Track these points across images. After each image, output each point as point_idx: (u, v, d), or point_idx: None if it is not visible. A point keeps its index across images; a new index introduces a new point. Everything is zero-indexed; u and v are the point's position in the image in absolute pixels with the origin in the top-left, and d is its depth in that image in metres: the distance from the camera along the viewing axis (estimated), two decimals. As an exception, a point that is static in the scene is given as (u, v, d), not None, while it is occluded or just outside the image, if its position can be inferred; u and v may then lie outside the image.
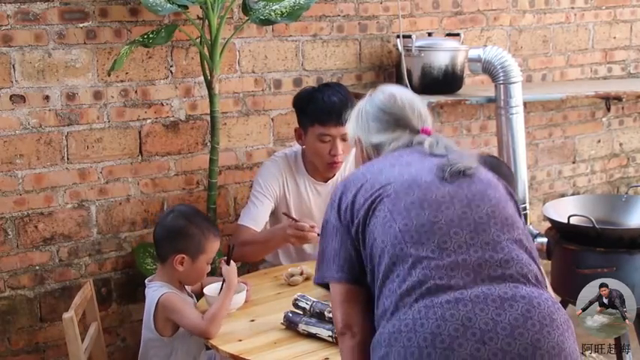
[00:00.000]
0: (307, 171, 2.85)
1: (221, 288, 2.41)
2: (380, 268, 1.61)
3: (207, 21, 2.85)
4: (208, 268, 2.44)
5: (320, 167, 2.80)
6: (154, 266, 2.85)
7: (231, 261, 2.35)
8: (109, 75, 2.80)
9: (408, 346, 1.51)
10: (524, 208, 3.32)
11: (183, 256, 2.36)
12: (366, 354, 1.63)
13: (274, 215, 2.89)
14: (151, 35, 2.74)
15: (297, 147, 2.92)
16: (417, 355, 1.50)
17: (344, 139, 2.70)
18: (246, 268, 3.00)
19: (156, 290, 2.35)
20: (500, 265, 1.56)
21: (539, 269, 1.64)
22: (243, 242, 2.69)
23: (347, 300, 1.68)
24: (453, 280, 1.54)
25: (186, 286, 2.47)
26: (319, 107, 2.71)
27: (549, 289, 1.85)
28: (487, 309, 1.50)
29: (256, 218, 2.77)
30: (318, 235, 2.56)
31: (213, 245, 2.41)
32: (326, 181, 2.86)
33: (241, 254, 2.62)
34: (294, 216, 2.77)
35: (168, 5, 2.70)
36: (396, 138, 1.79)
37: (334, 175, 2.86)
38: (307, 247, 2.87)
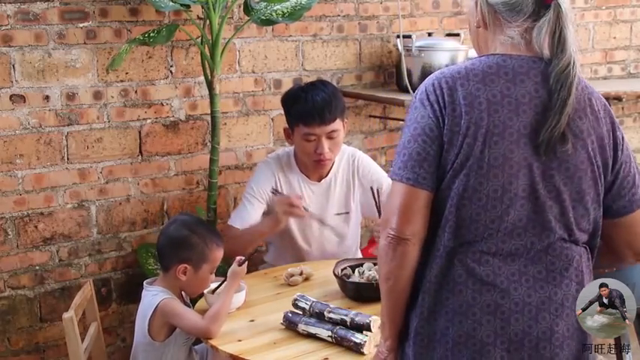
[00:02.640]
0: (301, 170, 2.85)
1: (218, 286, 2.41)
2: (443, 234, 1.58)
3: (207, 21, 2.85)
4: (212, 278, 2.43)
5: (309, 165, 2.81)
6: (157, 266, 2.85)
7: (245, 265, 2.35)
8: (107, 72, 2.80)
9: (445, 334, 1.59)
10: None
11: (186, 265, 2.36)
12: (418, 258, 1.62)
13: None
14: (152, 34, 2.74)
15: (290, 147, 2.92)
16: (450, 346, 1.59)
17: (330, 137, 2.72)
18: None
19: (155, 295, 2.35)
20: (546, 267, 1.58)
21: (587, 251, 1.64)
22: (233, 236, 2.71)
23: (424, 207, 1.58)
24: (499, 279, 1.57)
25: (184, 296, 2.46)
26: (302, 107, 2.72)
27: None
28: (522, 319, 1.57)
29: (246, 219, 2.77)
30: (306, 209, 2.66)
31: (216, 254, 2.41)
32: (319, 180, 2.86)
33: (229, 249, 2.61)
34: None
35: (171, 3, 2.70)
36: (515, 7, 1.59)
37: (328, 174, 2.86)
38: (306, 245, 2.87)
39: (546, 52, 1.58)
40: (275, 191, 2.79)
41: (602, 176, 1.62)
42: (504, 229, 1.56)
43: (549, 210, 1.57)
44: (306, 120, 2.70)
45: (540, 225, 1.57)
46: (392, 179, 1.62)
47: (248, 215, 2.77)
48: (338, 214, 2.88)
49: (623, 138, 1.65)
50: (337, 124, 2.73)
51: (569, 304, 1.60)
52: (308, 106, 2.71)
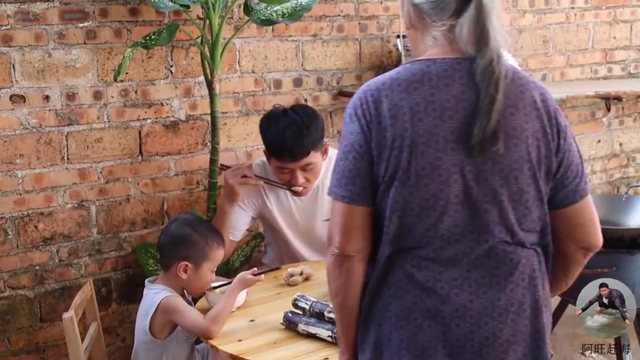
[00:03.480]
0: None
1: (220, 286, 2.42)
2: (384, 245, 1.58)
3: (207, 21, 2.85)
4: (213, 277, 2.44)
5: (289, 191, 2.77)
6: (157, 267, 2.85)
7: (258, 277, 2.34)
8: (116, 80, 2.80)
9: (389, 338, 1.58)
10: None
11: (187, 263, 2.36)
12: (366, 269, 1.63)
13: (265, 221, 2.91)
14: (152, 37, 2.74)
15: None
16: (394, 350, 1.58)
17: (304, 169, 2.68)
18: (246, 268, 3.00)
19: (158, 293, 2.36)
20: (490, 272, 1.55)
21: (537, 254, 1.60)
22: None
23: (364, 223, 1.59)
24: (439, 284, 1.54)
25: (186, 294, 2.47)
26: (273, 141, 2.67)
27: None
28: (463, 324, 1.54)
29: (233, 225, 2.77)
30: (257, 177, 2.68)
31: (217, 253, 2.42)
32: None
33: None
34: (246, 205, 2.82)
35: (170, 3, 2.70)
36: (438, 4, 1.55)
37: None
38: (304, 250, 2.86)
39: (471, 50, 1.53)
40: (223, 166, 2.80)
41: (544, 169, 1.56)
42: (441, 236, 1.53)
43: (485, 214, 1.53)
44: (276, 155, 2.66)
45: (477, 230, 1.54)
46: (330, 196, 1.62)
47: (235, 221, 2.77)
48: (328, 219, 2.84)
49: (566, 126, 1.60)
50: (311, 157, 2.66)
51: (514, 309, 1.55)
52: (278, 142, 2.64)
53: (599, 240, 1.66)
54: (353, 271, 1.61)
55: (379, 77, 1.61)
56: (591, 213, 1.63)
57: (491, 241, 1.54)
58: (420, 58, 1.59)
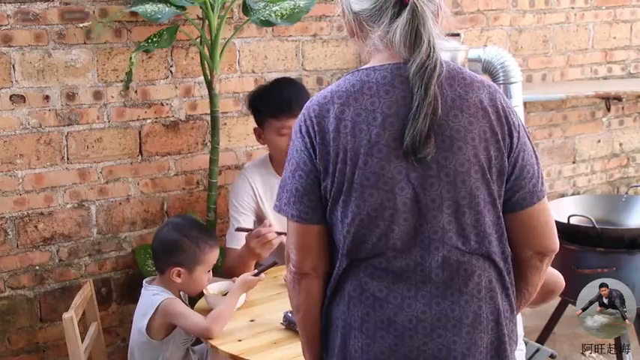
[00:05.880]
0: (278, 173, 2.82)
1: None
2: (339, 258, 1.56)
3: (207, 21, 2.85)
4: (209, 276, 2.44)
5: (283, 163, 2.77)
6: (155, 267, 2.85)
7: (259, 277, 2.35)
8: (127, 89, 2.82)
9: (342, 348, 1.57)
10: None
11: (179, 269, 2.36)
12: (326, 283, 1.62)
13: (260, 221, 2.89)
14: (154, 39, 2.74)
15: (266, 153, 2.91)
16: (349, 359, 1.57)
17: None
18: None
19: (157, 294, 2.36)
20: (444, 283, 1.52)
21: (495, 264, 1.56)
22: (230, 267, 2.71)
23: (318, 240, 1.57)
24: (392, 295, 1.52)
25: (182, 296, 2.47)
26: (271, 102, 2.74)
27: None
28: (416, 336, 1.51)
29: (239, 238, 2.75)
30: (278, 233, 2.57)
31: (210, 256, 2.41)
32: None
33: (234, 274, 2.61)
34: (249, 227, 2.76)
35: (167, 9, 2.70)
36: (376, 12, 1.56)
37: None
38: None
39: (406, 53, 1.51)
40: (240, 229, 2.73)
41: (496, 171, 1.52)
42: (392, 245, 1.50)
43: (434, 220, 1.49)
44: (276, 114, 2.72)
45: (428, 237, 1.50)
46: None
47: (240, 234, 2.77)
48: None
49: (519, 125, 1.56)
50: None
51: (469, 322, 1.51)
52: (277, 100, 2.73)
53: (556, 244, 1.63)
54: (311, 288, 1.60)
55: (322, 91, 1.60)
56: (547, 216, 1.60)
57: (443, 249, 1.51)
58: (360, 68, 1.59)
